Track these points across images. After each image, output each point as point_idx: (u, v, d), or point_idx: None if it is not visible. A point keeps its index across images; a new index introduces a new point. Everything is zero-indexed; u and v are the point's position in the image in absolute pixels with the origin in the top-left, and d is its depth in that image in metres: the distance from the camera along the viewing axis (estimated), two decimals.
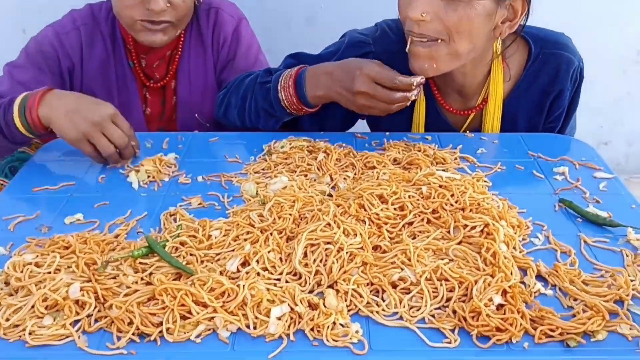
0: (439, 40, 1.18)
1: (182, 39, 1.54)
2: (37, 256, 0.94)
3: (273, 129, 1.38)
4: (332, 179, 1.15)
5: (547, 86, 1.34)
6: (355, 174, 1.17)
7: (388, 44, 1.33)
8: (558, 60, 1.33)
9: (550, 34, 1.37)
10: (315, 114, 1.36)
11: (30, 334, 0.81)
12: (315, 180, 1.16)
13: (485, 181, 1.14)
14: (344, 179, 1.15)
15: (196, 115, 1.56)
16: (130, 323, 0.82)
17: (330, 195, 1.09)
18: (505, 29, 1.24)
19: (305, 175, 1.17)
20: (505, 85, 1.34)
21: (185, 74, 1.56)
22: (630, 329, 0.81)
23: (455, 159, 1.23)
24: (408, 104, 1.22)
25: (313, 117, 1.38)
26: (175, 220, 1.05)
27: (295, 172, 1.18)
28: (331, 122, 1.41)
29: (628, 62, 2.29)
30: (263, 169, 1.21)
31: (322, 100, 1.28)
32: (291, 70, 1.31)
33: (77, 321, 0.83)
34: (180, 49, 1.54)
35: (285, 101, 1.29)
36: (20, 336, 0.81)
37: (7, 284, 0.90)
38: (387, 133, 1.35)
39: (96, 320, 0.84)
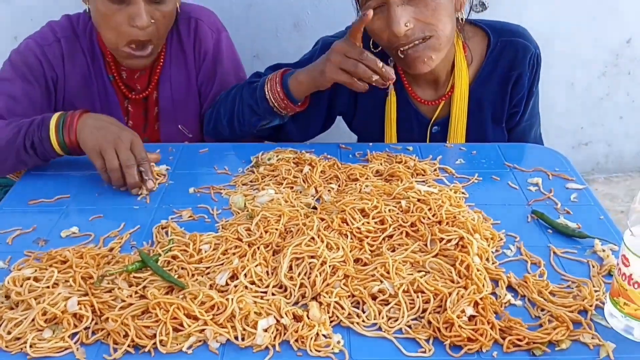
0: (428, 37, 1.29)
1: (163, 49, 1.54)
2: (36, 270, 0.98)
3: (256, 129, 1.43)
4: (317, 191, 1.21)
5: (506, 72, 1.45)
6: (339, 186, 1.23)
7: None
8: (515, 47, 1.43)
9: (507, 25, 1.47)
10: (298, 119, 1.42)
11: (31, 346, 0.86)
12: (300, 192, 1.21)
13: (462, 193, 1.20)
14: (329, 191, 1.20)
15: (179, 126, 1.58)
16: (126, 335, 0.87)
17: (315, 207, 1.15)
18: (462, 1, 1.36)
19: (291, 188, 1.22)
20: (469, 71, 1.44)
21: (167, 83, 1.56)
22: (592, 338, 0.87)
23: (435, 170, 1.29)
24: (374, 78, 1.26)
25: (296, 123, 1.45)
26: (167, 233, 1.10)
27: (282, 184, 1.23)
28: (313, 125, 1.49)
29: (607, 65, 2.36)
30: (251, 181, 1.26)
31: (302, 86, 1.34)
32: (280, 70, 1.39)
33: (75, 334, 0.88)
34: (162, 59, 1.54)
35: (269, 92, 1.35)
36: (21, 349, 0.86)
37: (7, 297, 0.95)
38: (370, 144, 1.41)
39: (93, 333, 0.89)
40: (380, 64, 1.25)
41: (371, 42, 1.38)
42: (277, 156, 1.32)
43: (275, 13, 2.12)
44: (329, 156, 1.33)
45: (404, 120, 1.42)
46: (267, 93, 1.36)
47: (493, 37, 1.44)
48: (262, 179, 1.26)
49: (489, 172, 1.30)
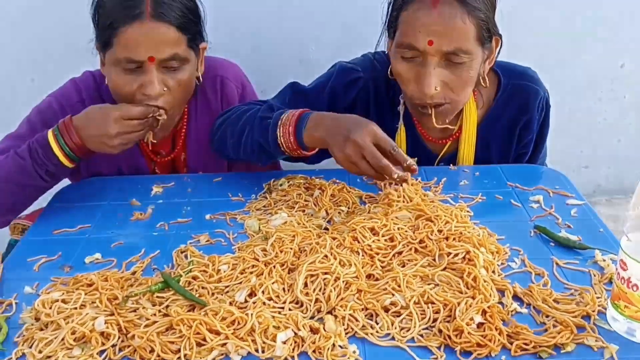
0: (447, 103, 1.33)
1: (185, 112, 1.54)
2: (63, 294, 1.03)
3: (264, 165, 1.42)
4: (327, 214, 1.26)
5: (516, 115, 1.47)
6: (349, 208, 1.28)
7: (375, 72, 1.47)
8: (526, 91, 1.46)
9: (518, 67, 1.50)
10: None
11: None
12: (312, 215, 1.26)
13: (467, 211, 1.25)
14: (339, 213, 1.26)
15: None
16: (152, 351, 0.92)
17: (326, 228, 1.20)
18: (487, 66, 1.38)
19: (303, 211, 1.28)
20: (478, 112, 1.46)
21: (195, 145, 1.55)
22: (595, 340, 0.91)
23: (437, 192, 1.34)
24: (383, 183, 1.25)
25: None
26: (186, 257, 1.15)
27: (294, 208, 1.29)
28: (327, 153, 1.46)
29: (603, 90, 2.43)
30: (264, 206, 1.32)
31: (316, 143, 1.27)
32: (296, 110, 1.32)
33: (103, 351, 0.93)
34: (185, 123, 1.54)
35: (281, 138, 1.29)
36: None
37: (37, 319, 1.00)
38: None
39: (120, 350, 0.94)
40: (400, 174, 1.19)
41: (389, 73, 1.39)
42: (288, 182, 1.38)
43: (281, 51, 2.21)
44: (337, 181, 1.39)
45: (412, 154, 1.42)
46: (279, 138, 1.30)
47: (504, 79, 1.46)
48: (274, 204, 1.31)
49: (493, 192, 1.35)
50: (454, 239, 1.10)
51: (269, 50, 2.18)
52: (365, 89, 1.48)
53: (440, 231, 1.12)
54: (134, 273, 1.11)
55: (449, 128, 1.43)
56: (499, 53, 1.40)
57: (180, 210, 1.33)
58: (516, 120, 1.47)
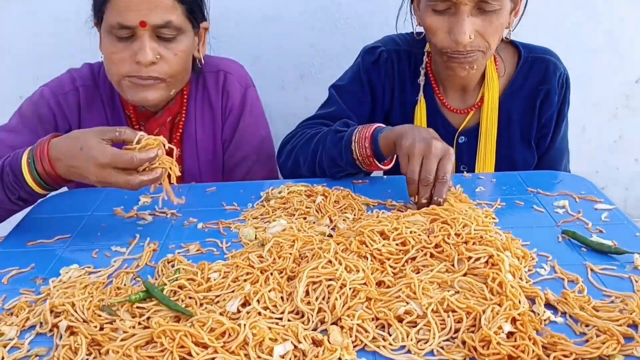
0: (479, 51, 1.32)
1: (185, 103, 1.47)
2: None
3: (334, 179, 1.35)
4: (331, 221, 1.14)
5: (536, 86, 1.47)
6: (354, 215, 1.16)
7: (396, 46, 1.52)
8: (546, 63, 1.47)
9: (538, 46, 1.52)
10: None
11: None
12: (314, 222, 1.14)
13: (493, 218, 1.13)
14: (344, 220, 1.14)
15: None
16: None
17: (330, 235, 1.08)
18: (512, 18, 1.39)
19: (304, 218, 1.16)
20: (500, 82, 1.46)
21: (192, 141, 1.48)
22: None
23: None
24: (414, 201, 1.17)
25: None
26: (173, 267, 1.02)
27: (294, 215, 1.17)
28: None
29: (618, 106, 2.32)
30: (261, 214, 1.20)
31: (391, 142, 1.21)
32: (372, 125, 1.28)
33: None
34: (184, 115, 1.47)
35: (355, 144, 1.26)
36: None
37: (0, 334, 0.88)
38: (385, 177, 1.35)
39: None
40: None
41: (415, 32, 1.45)
42: (288, 189, 1.26)
43: (282, 65, 2.13)
44: (341, 188, 1.27)
45: (432, 127, 1.38)
46: (353, 144, 1.26)
47: (524, 52, 1.47)
48: (272, 212, 1.19)
49: (512, 198, 1.23)
50: (473, 242, 0.98)
51: (268, 61, 2.09)
52: (390, 61, 1.50)
53: (458, 235, 0.99)
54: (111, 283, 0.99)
55: (470, 97, 1.47)
56: (525, 7, 1.42)
57: (169, 220, 1.21)
58: (537, 91, 1.47)
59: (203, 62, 1.46)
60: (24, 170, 1.12)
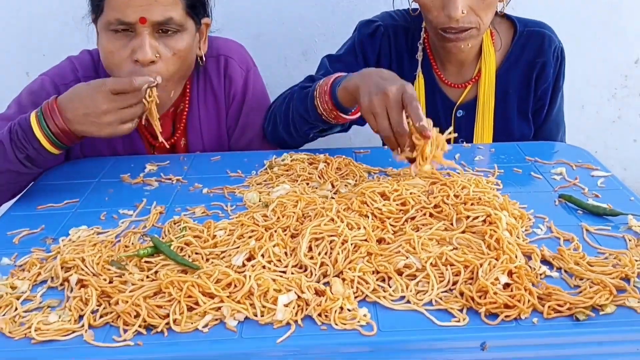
0: (472, 28, 1.33)
1: (187, 93, 1.45)
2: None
3: (308, 137, 1.37)
4: (333, 186, 1.17)
5: (532, 59, 1.49)
6: (356, 181, 1.18)
7: (393, 21, 1.53)
8: (541, 36, 1.49)
9: (533, 20, 1.54)
10: None
11: (36, 330, 0.81)
12: (317, 187, 1.17)
13: (497, 183, 1.15)
14: (345, 185, 1.16)
15: None
16: (137, 316, 0.81)
17: (332, 199, 1.10)
18: None
19: (307, 184, 1.18)
20: (496, 56, 1.48)
21: (197, 130, 1.46)
22: (638, 302, 0.80)
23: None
24: (398, 155, 1.15)
25: None
26: (179, 227, 1.05)
27: (297, 181, 1.19)
28: None
29: (616, 86, 2.34)
30: (265, 181, 1.22)
31: (349, 96, 1.20)
32: (334, 74, 1.29)
33: (82, 317, 0.83)
34: (187, 104, 1.45)
35: (317, 99, 1.26)
36: (25, 334, 0.81)
37: (12, 288, 0.91)
38: (386, 147, 1.37)
39: (101, 317, 0.83)
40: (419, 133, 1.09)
41: (410, 8, 1.46)
42: (290, 157, 1.29)
43: (284, 42, 2.14)
44: (343, 156, 1.29)
45: (430, 103, 1.41)
46: (315, 100, 1.27)
47: (520, 26, 1.49)
48: (276, 178, 1.22)
49: (510, 166, 1.26)
50: (472, 203, 1.00)
51: (270, 38, 2.11)
52: (386, 36, 1.51)
53: (457, 196, 1.02)
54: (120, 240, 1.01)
55: (467, 71, 1.48)
56: None
57: (175, 186, 1.23)
58: (532, 64, 1.49)
59: (204, 60, 1.43)
60: (33, 124, 1.17)
